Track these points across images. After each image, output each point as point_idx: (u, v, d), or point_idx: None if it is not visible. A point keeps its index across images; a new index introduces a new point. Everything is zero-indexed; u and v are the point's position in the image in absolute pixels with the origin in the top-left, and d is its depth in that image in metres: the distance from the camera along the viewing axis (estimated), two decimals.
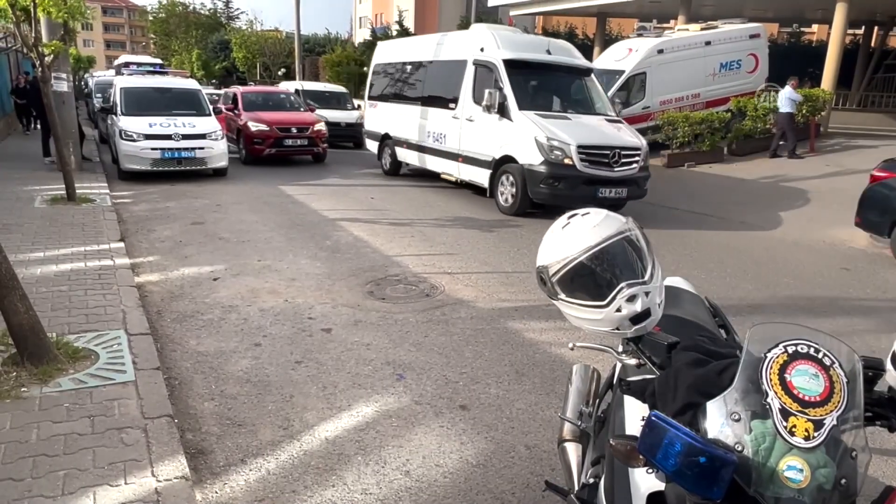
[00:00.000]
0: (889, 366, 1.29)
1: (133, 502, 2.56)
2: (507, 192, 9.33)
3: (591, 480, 1.89)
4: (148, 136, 10.81)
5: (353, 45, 39.73)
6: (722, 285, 6.14)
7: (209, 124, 11.63)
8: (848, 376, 1.18)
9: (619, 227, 1.56)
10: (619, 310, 1.52)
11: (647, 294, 1.52)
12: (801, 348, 1.21)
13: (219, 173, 11.77)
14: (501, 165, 9.42)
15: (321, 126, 14.20)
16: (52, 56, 8.33)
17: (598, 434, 2.06)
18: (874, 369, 1.31)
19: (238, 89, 16.00)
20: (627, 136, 9.28)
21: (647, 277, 1.54)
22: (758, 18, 19.48)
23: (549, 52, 10.05)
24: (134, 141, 10.75)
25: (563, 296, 1.59)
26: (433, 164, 11.33)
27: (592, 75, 10.57)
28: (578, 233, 1.57)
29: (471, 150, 10.09)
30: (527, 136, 8.90)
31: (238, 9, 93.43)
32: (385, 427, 3.39)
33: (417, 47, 12.37)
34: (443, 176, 11.32)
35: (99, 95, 18.37)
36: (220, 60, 44.83)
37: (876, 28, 23.44)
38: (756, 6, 20.92)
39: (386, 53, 13.54)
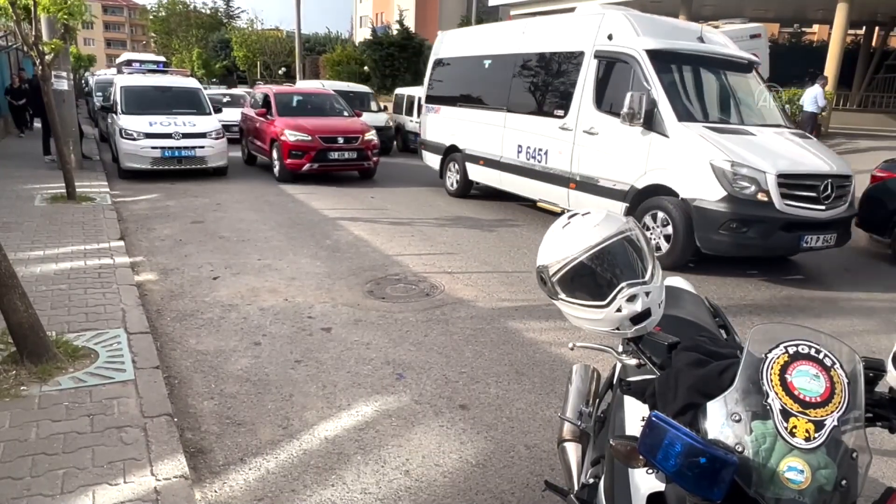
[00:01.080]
0: (890, 366, 1.28)
1: (132, 501, 2.55)
2: (656, 235, 6.69)
3: (591, 480, 1.89)
4: (148, 135, 10.82)
5: (354, 44, 39.74)
6: (722, 285, 6.14)
7: (209, 123, 11.63)
8: (849, 377, 1.18)
9: (620, 227, 1.56)
10: (619, 310, 1.51)
11: (647, 294, 1.51)
12: (802, 349, 1.21)
13: (219, 172, 11.78)
14: (646, 198, 6.84)
15: (372, 135, 11.89)
16: (52, 54, 8.33)
17: (598, 434, 2.06)
18: (875, 370, 1.31)
19: (271, 90, 13.18)
20: (833, 158, 6.74)
21: (647, 277, 1.53)
22: (758, 18, 19.46)
23: (701, 41, 7.59)
24: (134, 140, 10.76)
25: (563, 295, 1.58)
26: (526, 188, 8.84)
27: (755, 71, 7.94)
28: (579, 232, 1.56)
29: (592, 173, 7.49)
30: (695, 160, 6.35)
31: (238, 8, 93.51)
32: (385, 426, 3.39)
33: (501, 36, 9.70)
34: (541, 205, 8.85)
35: (99, 94, 18.34)
36: (221, 59, 44.82)
37: (877, 28, 23.45)
38: (757, 6, 20.91)
39: (453, 45, 10.83)
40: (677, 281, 2.51)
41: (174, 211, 8.68)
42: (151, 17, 52.96)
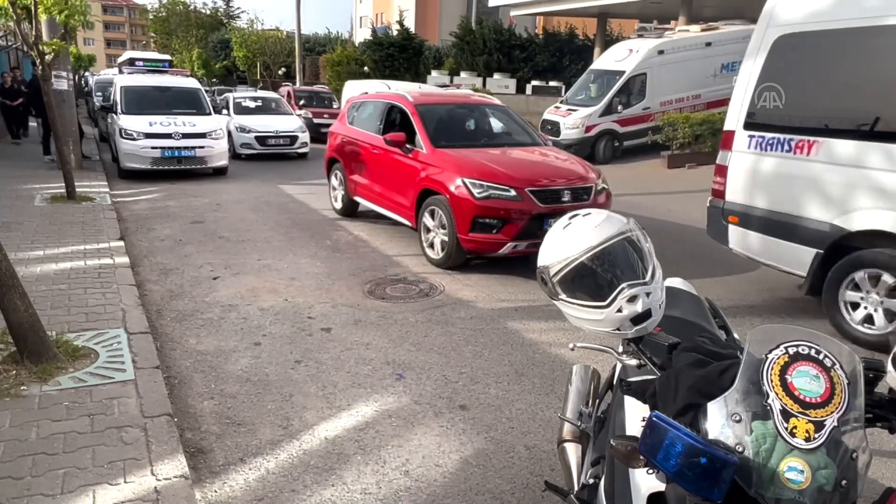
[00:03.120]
0: (890, 367, 1.29)
1: (132, 501, 2.56)
2: None
3: (591, 481, 1.89)
4: (148, 135, 10.83)
5: (354, 44, 39.75)
6: (722, 286, 6.14)
7: (209, 123, 11.64)
8: (849, 378, 1.18)
9: (621, 228, 1.56)
10: (619, 310, 1.51)
11: (647, 294, 1.52)
12: (802, 349, 1.21)
13: (219, 172, 11.78)
14: None
15: (603, 184, 6.52)
16: (52, 54, 8.33)
17: (598, 434, 2.06)
18: (875, 370, 1.32)
19: (405, 99, 7.45)
20: None
21: (648, 278, 1.54)
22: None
23: None
24: (134, 140, 10.77)
25: (563, 296, 1.59)
26: None
27: None
28: (580, 233, 1.57)
29: None
30: None
31: (239, 8, 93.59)
32: (384, 427, 3.39)
33: None
34: None
35: (99, 94, 18.32)
36: (221, 59, 44.86)
37: None
38: (757, 8, 20.89)
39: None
40: (677, 282, 2.51)
41: (174, 211, 8.68)
42: (152, 16, 52.99)
